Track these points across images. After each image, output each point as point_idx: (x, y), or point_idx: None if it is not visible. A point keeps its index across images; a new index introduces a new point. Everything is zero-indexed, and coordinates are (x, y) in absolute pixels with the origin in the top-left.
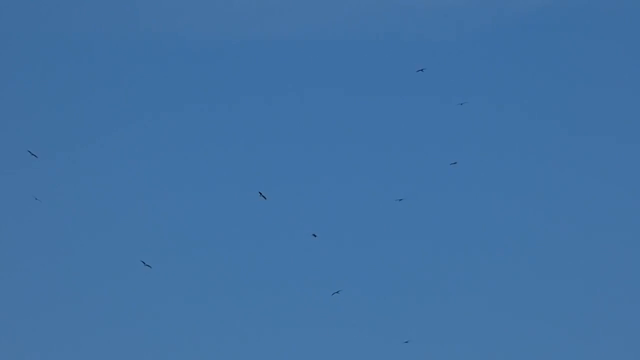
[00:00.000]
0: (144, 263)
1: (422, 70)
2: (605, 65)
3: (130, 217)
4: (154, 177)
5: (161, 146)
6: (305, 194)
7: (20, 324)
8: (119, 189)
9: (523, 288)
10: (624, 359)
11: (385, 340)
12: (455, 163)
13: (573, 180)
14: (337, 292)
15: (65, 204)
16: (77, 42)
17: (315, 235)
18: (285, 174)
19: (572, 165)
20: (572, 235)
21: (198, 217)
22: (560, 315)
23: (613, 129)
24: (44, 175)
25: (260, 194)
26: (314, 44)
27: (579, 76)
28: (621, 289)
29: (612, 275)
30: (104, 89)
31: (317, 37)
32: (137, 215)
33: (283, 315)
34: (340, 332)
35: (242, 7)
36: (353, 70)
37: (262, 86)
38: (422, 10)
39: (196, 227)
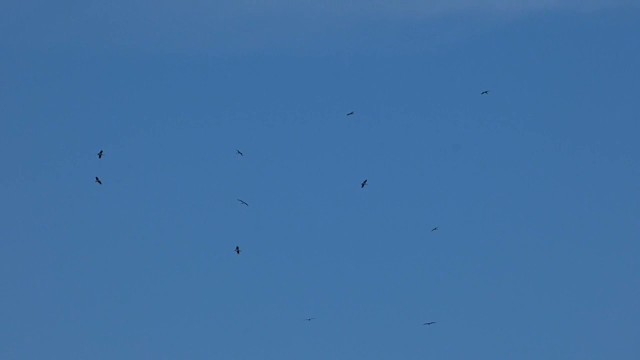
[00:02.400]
0: (242, 201)
1: (486, 92)
2: (588, 75)
3: (125, 226)
4: (146, 189)
5: (151, 160)
6: (292, 203)
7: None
8: (112, 201)
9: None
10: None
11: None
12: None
13: (557, 191)
14: (310, 319)
15: (62, 215)
16: (68, 58)
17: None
18: (275, 187)
19: (559, 177)
20: (567, 246)
21: (190, 229)
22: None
23: (599, 139)
24: (45, 186)
25: (364, 182)
26: (284, 59)
27: (560, 86)
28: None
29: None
30: (93, 104)
31: (298, 52)
32: (131, 224)
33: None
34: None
35: (232, 22)
36: (335, 85)
37: (252, 100)
38: (400, 23)
39: (184, 238)
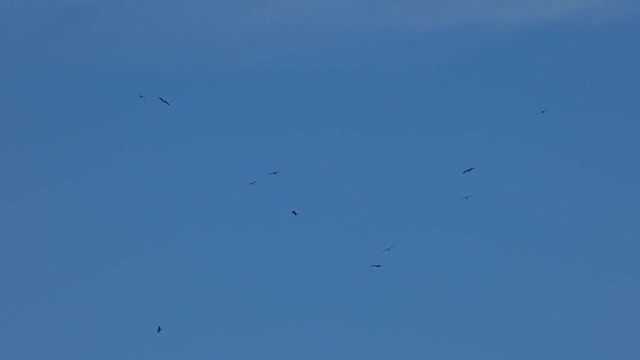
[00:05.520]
0: (162, 99)
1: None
2: (592, 90)
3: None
4: (153, 204)
5: (146, 179)
6: (303, 215)
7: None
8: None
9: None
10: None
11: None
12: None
13: (561, 210)
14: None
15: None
16: (77, 72)
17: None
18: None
19: (568, 190)
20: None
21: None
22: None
23: (608, 152)
24: (50, 198)
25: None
26: (290, 73)
27: (569, 99)
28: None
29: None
30: (102, 120)
31: (305, 65)
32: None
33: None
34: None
35: (239, 36)
36: (338, 100)
37: (261, 113)
38: (408, 35)
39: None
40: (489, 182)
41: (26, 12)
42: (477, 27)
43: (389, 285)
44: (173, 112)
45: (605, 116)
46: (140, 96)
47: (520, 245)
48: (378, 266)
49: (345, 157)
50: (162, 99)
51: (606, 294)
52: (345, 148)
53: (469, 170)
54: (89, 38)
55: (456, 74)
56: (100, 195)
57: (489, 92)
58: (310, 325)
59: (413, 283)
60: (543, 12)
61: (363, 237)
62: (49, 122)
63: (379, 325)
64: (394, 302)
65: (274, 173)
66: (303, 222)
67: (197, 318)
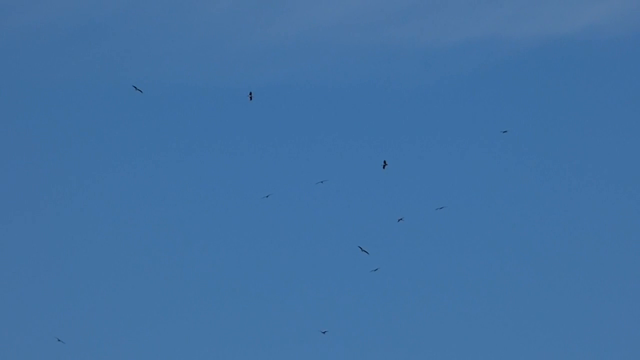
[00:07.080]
0: (136, 88)
1: (505, 131)
2: (607, 104)
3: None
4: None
5: (148, 192)
6: (303, 234)
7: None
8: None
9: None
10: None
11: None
12: (441, 208)
13: (566, 226)
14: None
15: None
16: (85, 91)
17: None
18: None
19: (583, 209)
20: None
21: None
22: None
23: (623, 169)
24: (54, 219)
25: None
26: (302, 90)
27: (582, 116)
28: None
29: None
30: (110, 138)
31: (305, 83)
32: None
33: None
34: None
35: (247, 54)
36: (342, 116)
37: (250, 132)
38: (418, 52)
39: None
40: (505, 196)
41: (36, 32)
42: (491, 42)
43: (381, 294)
44: (184, 127)
45: (622, 131)
46: (137, 89)
47: (516, 253)
48: (365, 252)
49: (357, 173)
50: (250, 95)
51: (599, 302)
52: (357, 164)
53: (384, 164)
54: (100, 56)
55: (470, 90)
56: (110, 206)
57: (504, 108)
58: (309, 337)
59: (412, 292)
60: (557, 28)
61: (358, 248)
62: (59, 137)
63: (376, 333)
64: (391, 311)
65: (321, 182)
66: (303, 234)
67: (202, 327)
